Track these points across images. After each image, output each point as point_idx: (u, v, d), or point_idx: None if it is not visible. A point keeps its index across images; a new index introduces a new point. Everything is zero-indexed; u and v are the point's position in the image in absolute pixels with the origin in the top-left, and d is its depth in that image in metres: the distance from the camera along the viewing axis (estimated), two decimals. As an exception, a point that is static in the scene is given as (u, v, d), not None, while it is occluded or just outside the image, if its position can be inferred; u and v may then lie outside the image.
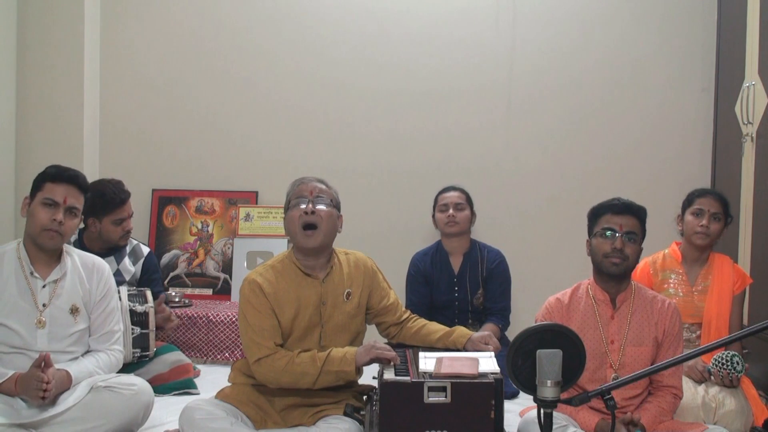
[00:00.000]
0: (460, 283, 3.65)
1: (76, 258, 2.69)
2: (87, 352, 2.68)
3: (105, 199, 3.28)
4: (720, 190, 3.17)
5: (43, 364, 2.40)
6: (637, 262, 2.54)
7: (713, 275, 3.03)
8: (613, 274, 2.48)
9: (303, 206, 2.50)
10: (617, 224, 2.48)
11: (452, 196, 3.69)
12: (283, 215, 2.61)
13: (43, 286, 2.57)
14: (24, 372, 2.42)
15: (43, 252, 2.58)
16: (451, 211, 3.64)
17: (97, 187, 3.31)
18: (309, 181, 2.57)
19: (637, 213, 2.51)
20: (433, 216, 3.76)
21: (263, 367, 2.41)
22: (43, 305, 2.55)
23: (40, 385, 2.35)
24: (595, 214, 2.56)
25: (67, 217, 2.54)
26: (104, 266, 2.77)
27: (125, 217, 3.35)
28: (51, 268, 2.60)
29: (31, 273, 2.57)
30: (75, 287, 2.64)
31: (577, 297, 2.58)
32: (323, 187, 2.57)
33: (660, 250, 3.16)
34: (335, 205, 2.58)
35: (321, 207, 2.51)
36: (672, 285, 3.05)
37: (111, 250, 3.39)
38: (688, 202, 3.10)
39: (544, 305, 2.61)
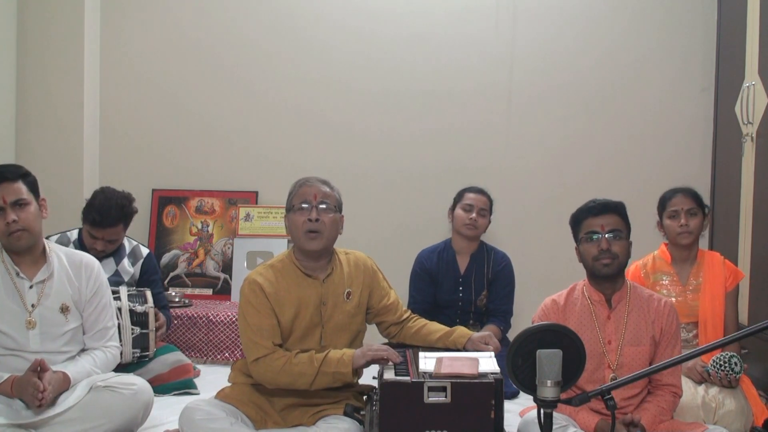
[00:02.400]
0: (465, 283, 3.64)
1: (63, 257, 2.66)
2: (82, 350, 2.67)
3: (89, 208, 3.22)
4: (689, 185, 3.14)
5: (39, 369, 2.39)
6: (628, 257, 2.53)
7: (704, 273, 3.03)
8: (607, 275, 2.48)
9: (307, 212, 2.49)
10: (599, 225, 2.47)
11: (480, 199, 3.64)
12: (284, 214, 2.61)
13: (30, 287, 2.55)
14: (20, 375, 2.41)
15: (25, 254, 2.55)
16: (474, 214, 3.59)
17: (97, 193, 3.29)
18: (313, 184, 2.56)
19: (616, 209, 2.51)
20: (452, 210, 3.71)
21: (261, 367, 2.41)
22: (32, 306, 2.54)
23: (35, 393, 2.34)
24: (576, 221, 2.55)
25: (18, 211, 2.48)
26: (93, 263, 2.73)
27: (98, 238, 3.23)
28: (37, 268, 2.58)
29: (17, 274, 2.55)
30: (63, 286, 2.61)
31: (573, 298, 2.58)
32: (327, 190, 2.56)
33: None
34: (338, 208, 2.58)
35: (325, 213, 2.51)
36: (664, 287, 3.05)
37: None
38: (661, 207, 3.10)
39: (540, 307, 2.61)
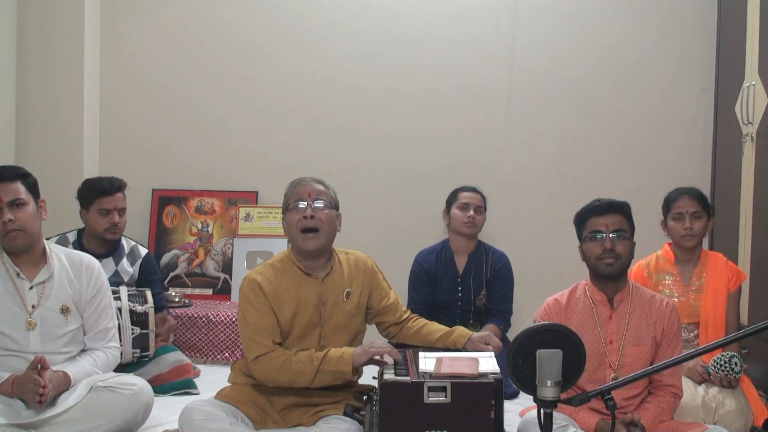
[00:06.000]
0: (463, 283, 3.64)
1: (63, 257, 2.66)
2: (83, 350, 2.67)
3: (92, 188, 3.31)
4: (695, 186, 3.13)
5: (39, 366, 2.39)
6: (631, 257, 2.53)
7: (707, 274, 3.03)
8: (610, 274, 2.48)
9: (302, 209, 2.49)
10: (603, 225, 2.48)
11: (475, 197, 3.66)
12: (282, 216, 2.61)
13: (31, 288, 2.55)
14: (20, 374, 2.41)
15: (24, 254, 2.55)
16: (471, 212, 3.61)
17: (89, 180, 3.39)
18: (307, 183, 2.56)
19: (621, 209, 2.51)
20: (447, 211, 3.72)
21: (261, 366, 2.41)
22: (32, 307, 2.54)
23: (36, 389, 2.34)
24: (581, 219, 2.55)
25: (15, 211, 2.48)
26: (94, 263, 2.73)
27: (111, 209, 3.29)
28: (37, 269, 2.58)
29: (18, 275, 2.54)
30: (64, 287, 2.61)
31: (575, 298, 2.58)
32: (321, 188, 2.57)
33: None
34: (334, 205, 2.58)
35: (321, 210, 2.51)
36: (667, 286, 3.05)
37: (110, 250, 3.38)
38: (666, 208, 3.10)
39: (542, 306, 2.61)
